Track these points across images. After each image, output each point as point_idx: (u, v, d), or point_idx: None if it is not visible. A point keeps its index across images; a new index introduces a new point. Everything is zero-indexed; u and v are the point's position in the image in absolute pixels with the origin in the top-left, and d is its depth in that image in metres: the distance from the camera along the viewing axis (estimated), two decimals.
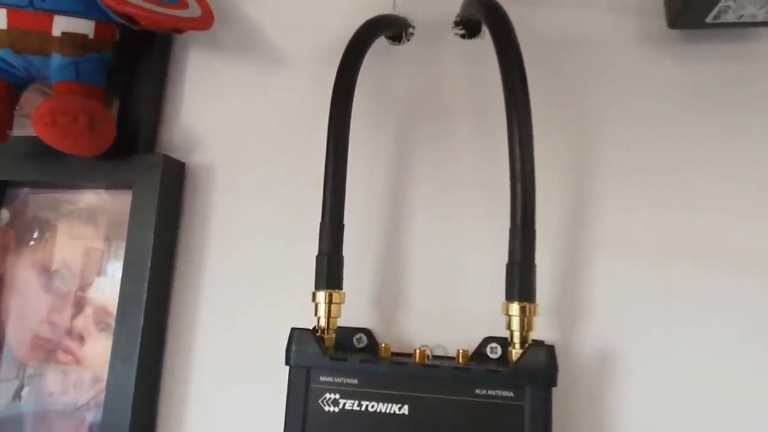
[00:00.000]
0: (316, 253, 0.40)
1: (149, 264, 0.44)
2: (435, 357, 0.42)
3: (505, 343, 0.40)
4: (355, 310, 0.44)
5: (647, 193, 0.42)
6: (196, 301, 0.47)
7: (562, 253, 0.43)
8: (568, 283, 0.42)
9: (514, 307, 0.36)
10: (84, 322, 0.47)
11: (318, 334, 0.39)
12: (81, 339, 0.47)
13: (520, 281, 0.36)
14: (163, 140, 0.50)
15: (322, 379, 0.37)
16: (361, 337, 0.43)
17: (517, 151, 0.37)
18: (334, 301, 0.39)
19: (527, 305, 0.36)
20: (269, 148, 0.48)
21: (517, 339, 0.37)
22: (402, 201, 0.45)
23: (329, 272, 0.39)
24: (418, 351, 0.38)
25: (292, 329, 0.38)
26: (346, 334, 0.43)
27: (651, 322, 0.41)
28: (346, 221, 0.41)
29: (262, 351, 0.45)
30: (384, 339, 0.44)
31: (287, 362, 0.37)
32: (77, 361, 0.46)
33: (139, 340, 0.43)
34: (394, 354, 0.41)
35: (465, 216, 0.44)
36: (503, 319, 0.37)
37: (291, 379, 0.37)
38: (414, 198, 0.45)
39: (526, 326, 0.36)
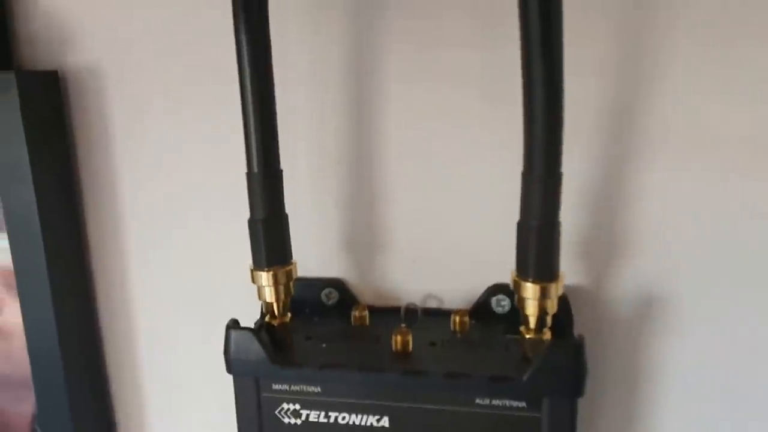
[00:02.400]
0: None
1: (38, 222, 0.33)
2: (426, 314, 0.33)
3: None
4: (321, 255, 0.34)
5: (719, 74, 0.28)
6: (119, 245, 0.37)
7: (597, 160, 0.30)
8: (604, 204, 0.30)
9: (529, 289, 0.26)
10: None
11: (266, 320, 0.30)
12: None
13: (538, 252, 0.25)
14: (19, 38, 0.34)
15: (275, 387, 0.28)
16: (330, 293, 0.34)
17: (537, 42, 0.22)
18: (280, 282, 0.28)
19: (548, 286, 0.25)
20: (170, 37, 0.33)
21: (532, 324, 0.27)
22: (369, 98, 0.32)
23: (269, 244, 0.28)
24: (398, 338, 0.28)
25: (227, 329, 0.28)
26: (313, 287, 0.34)
27: (716, 258, 0.30)
28: (290, 135, 0.29)
29: (207, 290, 0.36)
30: (361, 291, 0.34)
31: (228, 370, 0.28)
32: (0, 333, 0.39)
33: (51, 305, 0.35)
34: (373, 310, 0.32)
35: (461, 113, 0.31)
36: (511, 260, 0.27)
37: (237, 390, 0.28)
38: (385, 91, 0.31)
39: (545, 309, 0.26)
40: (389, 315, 0.32)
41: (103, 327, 0.39)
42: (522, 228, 0.25)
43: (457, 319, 0.30)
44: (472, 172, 0.31)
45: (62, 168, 0.35)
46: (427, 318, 0.32)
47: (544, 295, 0.25)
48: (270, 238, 0.28)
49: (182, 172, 0.35)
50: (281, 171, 0.28)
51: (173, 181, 0.35)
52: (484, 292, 0.32)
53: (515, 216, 0.26)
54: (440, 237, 0.32)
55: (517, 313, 0.28)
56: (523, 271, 0.26)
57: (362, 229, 0.33)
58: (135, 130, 0.35)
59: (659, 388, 0.32)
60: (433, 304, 0.33)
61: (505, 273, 0.31)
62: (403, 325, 0.31)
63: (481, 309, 0.32)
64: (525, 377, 0.25)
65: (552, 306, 0.26)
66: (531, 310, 0.26)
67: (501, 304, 0.32)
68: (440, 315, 0.32)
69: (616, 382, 0.32)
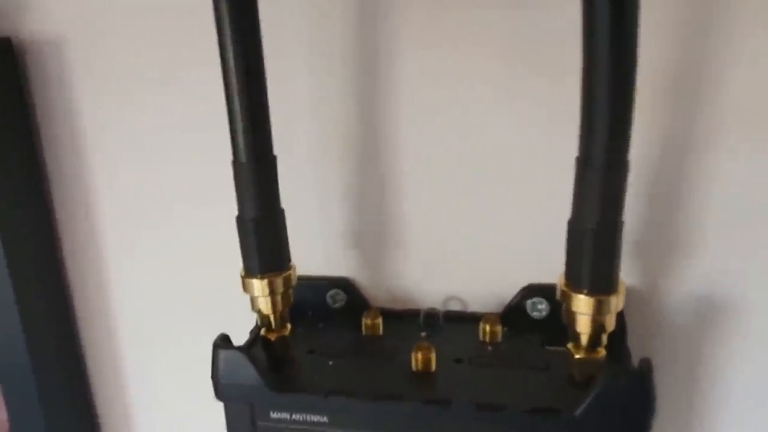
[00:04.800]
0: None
1: None
2: (448, 319, 0.28)
3: (553, 294, 0.26)
4: (325, 252, 0.29)
5: None
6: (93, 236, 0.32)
7: (656, 145, 0.25)
8: (663, 195, 0.25)
9: (582, 302, 0.21)
10: None
11: (262, 334, 0.25)
12: None
13: (595, 259, 0.20)
14: None
15: (273, 415, 0.24)
16: (337, 294, 0.29)
17: None
18: (277, 291, 0.24)
19: (605, 300, 0.21)
20: (138, 5, 0.28)
21: (584, 342, 0.22)
22: (378, 72, 0.26)
23: (263, 248, 0.23)
24: (419, 356, 0.24)
25: (215, 347, 0.23)
26: (317, 288, 0.29)
27: None
28: (286, 116, 0.24)
29: (193, 285, 0.32)
30: (372, 292, 0.29)
31: (217, 396, 0.24)
32: None
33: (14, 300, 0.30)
34: (386, 315, 0.28)
35: (486, 86, 0.25)
36: (549, 256, 0.22)
37: (228, 419, 0.24)
38: (398, 63, 0.26)
39: (602, 326, 0.21)
40: (406, 321, 0.28)
41: (80, 325, 0.34)
42: (575, 228, 0.21)
43: (487, 327, 0.26)
44: (501, 155, 0.26)
45: (22, 142, 0.30)
46: (450, 325, 0.28)
47: (600, 311, 0.21)
48: (263, 241, 0.23)
49: (157, 150, 0.30)
50: (275, 158, 0.23)
51: (147, 159, 0.30)
52: (516, 294, 0.27)
53: (553, 205, 0.22)
54: (463, 230, 0.28)
55: (557, 317, 0.23)
56: (574, 279, 0.21)
57: (372, 221, 0.28)
58: (101, 105, 0.30)
59: (721, 401, 0.27)
60: (456, 307, 0.29)
61: (540, 272, 0.26)
62: (423, 333, 0.27)
63: (513, 314, 0.27)
64: (577, 412, 0.21)
65: (610, 323, 0.21)
66: (583, 327, 0.21)
67: (538, 307, 0.27)
68: (465, 321, 0.27)
69: (673, 395, 0.28)
